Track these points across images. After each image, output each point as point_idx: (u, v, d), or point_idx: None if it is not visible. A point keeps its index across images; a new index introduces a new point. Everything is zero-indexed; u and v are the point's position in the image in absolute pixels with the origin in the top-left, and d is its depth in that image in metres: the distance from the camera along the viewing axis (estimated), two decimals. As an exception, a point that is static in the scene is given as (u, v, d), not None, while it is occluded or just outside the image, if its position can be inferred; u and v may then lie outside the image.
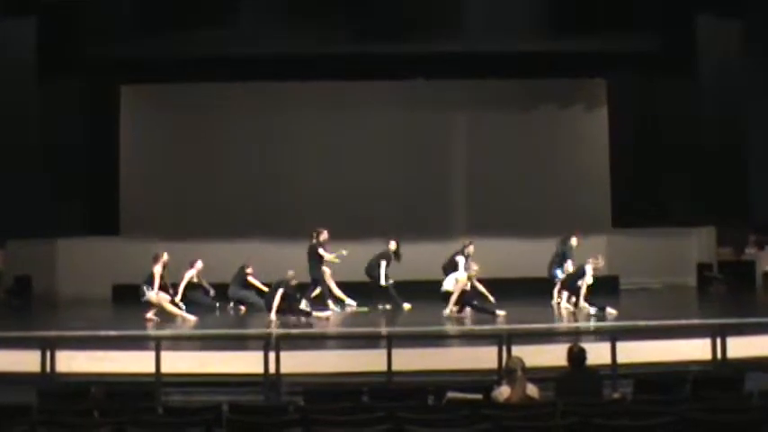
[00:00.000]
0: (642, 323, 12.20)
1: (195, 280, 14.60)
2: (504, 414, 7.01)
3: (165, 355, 9.76)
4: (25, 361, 10.05)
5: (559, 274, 14.48)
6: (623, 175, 16.19)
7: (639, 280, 17.03)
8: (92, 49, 14.52)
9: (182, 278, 14.35)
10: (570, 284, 14.02)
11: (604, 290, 15.16)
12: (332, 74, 16.19)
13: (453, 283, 13.72)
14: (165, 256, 13.95)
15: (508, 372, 7.55)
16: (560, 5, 14.22)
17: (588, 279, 13.69)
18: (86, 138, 15.16)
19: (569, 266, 14.47)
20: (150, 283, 13.63)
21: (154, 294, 13.63)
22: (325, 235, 14.13)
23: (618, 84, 16.59)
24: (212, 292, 14.72)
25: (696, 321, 12.71)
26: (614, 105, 16.68)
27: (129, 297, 15.26)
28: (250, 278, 14.71)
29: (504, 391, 7.41)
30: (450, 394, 7.73)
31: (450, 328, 13.20)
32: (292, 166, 17.36)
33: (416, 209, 17.07)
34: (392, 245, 14.78)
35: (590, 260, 13.77)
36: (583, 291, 13.75)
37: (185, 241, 16.78)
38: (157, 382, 9.46)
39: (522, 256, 15.04)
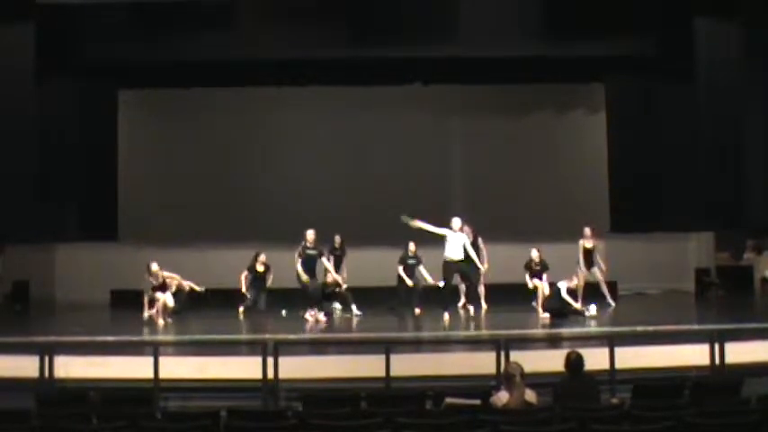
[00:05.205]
0: (640, 328, 12.21)
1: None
2: (503, 419, 7.01)
3: (163, 360, 9.75)
4: (23, 366, 10.02)
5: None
6: (622, 180, 16.17)
7: (637, 285, 17.04)
8: (90, 52, 14.49)
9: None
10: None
11: (602, 295, 15.22)
12: (330, 78, 16.18)
13: None
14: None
15: (507, 377, 7.55)
16: (558, 10, 14.21)
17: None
18: (84, 142, 15.14)
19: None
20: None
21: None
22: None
23: (616, 88, 16.58)
24: None
25: (694, 327, 12.71)
26: (613, 110, 16.67)
27: (127, 302, 15.31)
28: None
29: (502, 397, 7.41)
30: (449, 400, 7.72)
31: (449, 333, 13.20)
32: (291, 171, 17.39)
33: (415, 213, 17.02)
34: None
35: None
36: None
37: (183, 246, 16.79)
38: (156, 388, 9.45)
39: (522, 260, 14.99)
